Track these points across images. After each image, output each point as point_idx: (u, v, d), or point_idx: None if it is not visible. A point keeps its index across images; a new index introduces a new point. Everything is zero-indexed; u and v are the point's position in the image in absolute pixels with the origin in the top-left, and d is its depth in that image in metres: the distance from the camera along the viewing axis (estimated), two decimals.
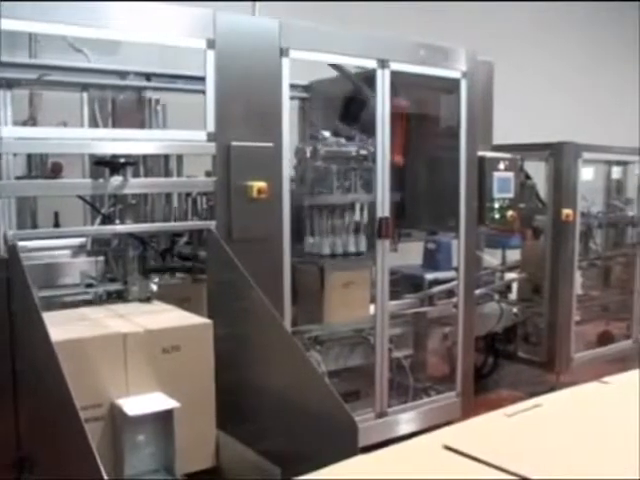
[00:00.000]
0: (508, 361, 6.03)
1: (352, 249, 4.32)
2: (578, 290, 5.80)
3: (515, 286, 6.08)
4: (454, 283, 4.80)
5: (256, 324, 3.12)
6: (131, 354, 2.81)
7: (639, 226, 6.25)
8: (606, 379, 1.96)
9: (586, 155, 5.55)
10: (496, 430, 1.62)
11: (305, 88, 5.15)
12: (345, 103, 4.92)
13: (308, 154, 4.25)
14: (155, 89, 4.17)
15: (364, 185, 4.36)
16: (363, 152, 4.36)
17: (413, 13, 6.85)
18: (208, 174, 3.69)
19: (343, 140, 4.41)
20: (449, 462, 1.42)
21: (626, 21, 9.34)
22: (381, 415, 4.39)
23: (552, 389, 3.32)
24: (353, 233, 4.34)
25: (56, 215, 3.95)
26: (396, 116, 4.42)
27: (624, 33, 9.29)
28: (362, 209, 4.44)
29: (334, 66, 4.55)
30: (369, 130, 4.30)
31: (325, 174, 4.25)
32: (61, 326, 2.73)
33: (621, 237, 6.54)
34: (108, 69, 4.19)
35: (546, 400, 1.79)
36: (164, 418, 2.78)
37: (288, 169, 3.85)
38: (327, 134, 4.38)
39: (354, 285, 4.32)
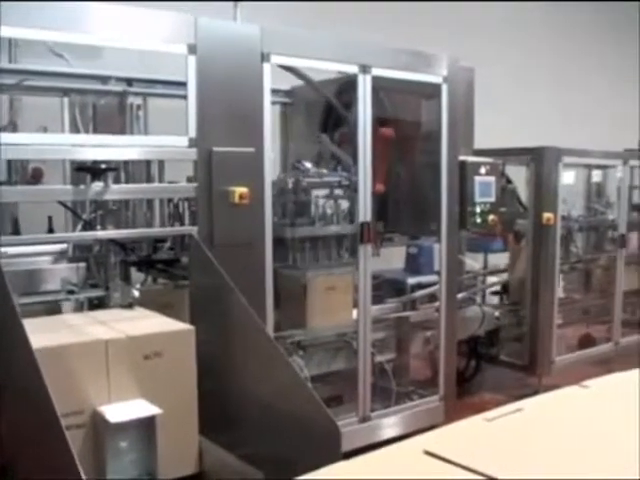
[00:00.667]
0: (490, 364, 6.06)
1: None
2: (559, 293, 5.85)
3: (509, 288, 6.12)
4: (436, 287, 4.82)
5: (238, 330, 3.12)
6: (113, 361, 2.79)
7: (619, 229, 6.30)
8: (586, 383, 1.96)
9: (567, 159, 5.60)
10: (477, 435, 1.63)
11: (287, 93, 5.15)
12: (325, 109, 4.93)
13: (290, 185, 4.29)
14: (136, 94, 4.15)
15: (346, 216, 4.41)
16: (345, 183, 4.40)
17: (401, 15, 6.86)
18: (190, 180, 3.68)
19: (324, 171, 4.44)
20: (429, 467, 1.42)
21: (615, 22, 9.40)
22: (364, 420, 4.40)
23: (535, 392, 3.33)
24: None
25: (50, 220, 3.92)
26: (376, 123, 4.42)
27: (613, 34, 9.34)
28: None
29: (302, 77, 4.55)
30: (351, 138, 4.30)
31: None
32: (42, 333, 2.71)
33: (602, 240, 6.59)
34: (89, 74, 4.17)
35: (526, 404, 1.80)
36: (146, 425, 2.77)
37: (270, 174, 3.85)
38: (309, 165, 4.39)
39: (337, 290, 4.32)
